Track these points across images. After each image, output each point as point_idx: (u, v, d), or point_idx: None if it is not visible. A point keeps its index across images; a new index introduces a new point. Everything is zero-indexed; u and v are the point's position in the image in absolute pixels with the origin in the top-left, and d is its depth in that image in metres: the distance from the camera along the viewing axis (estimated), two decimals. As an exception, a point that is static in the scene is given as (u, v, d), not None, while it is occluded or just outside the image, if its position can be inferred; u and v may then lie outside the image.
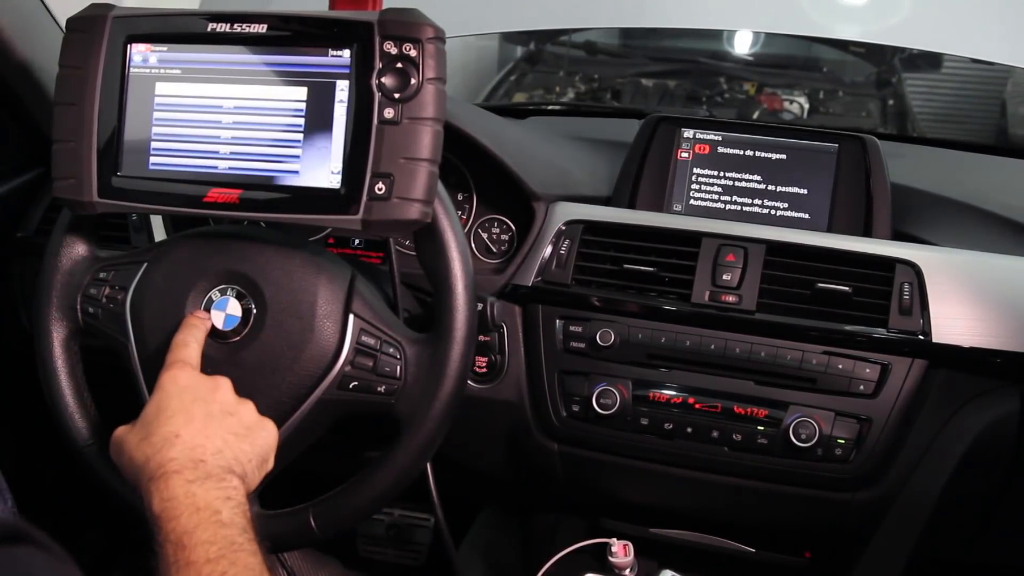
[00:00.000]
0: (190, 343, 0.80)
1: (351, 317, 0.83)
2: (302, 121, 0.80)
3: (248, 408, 0.78)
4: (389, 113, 0.77)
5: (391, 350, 0.83)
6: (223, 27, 0.80)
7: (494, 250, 1.17)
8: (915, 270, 1.01)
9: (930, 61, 2.82)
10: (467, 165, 1.17)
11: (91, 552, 1.52)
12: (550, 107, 2.06)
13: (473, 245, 1.17)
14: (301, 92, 0.80)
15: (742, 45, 2.40)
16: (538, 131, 1.40)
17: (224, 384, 0.78)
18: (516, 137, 1.23)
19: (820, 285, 1.02)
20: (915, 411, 1.02)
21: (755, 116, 2.20)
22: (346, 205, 0.78)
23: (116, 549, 1.56)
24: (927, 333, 0.99)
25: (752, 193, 1.14)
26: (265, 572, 0.65)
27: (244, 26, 0.80)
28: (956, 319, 0.99)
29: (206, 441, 0.72)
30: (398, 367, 0.83)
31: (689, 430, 1.04)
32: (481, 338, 1.09)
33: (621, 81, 2.43)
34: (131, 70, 0.83)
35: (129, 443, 0.73)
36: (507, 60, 2.79)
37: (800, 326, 1.02)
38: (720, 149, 1.16)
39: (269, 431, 0.78)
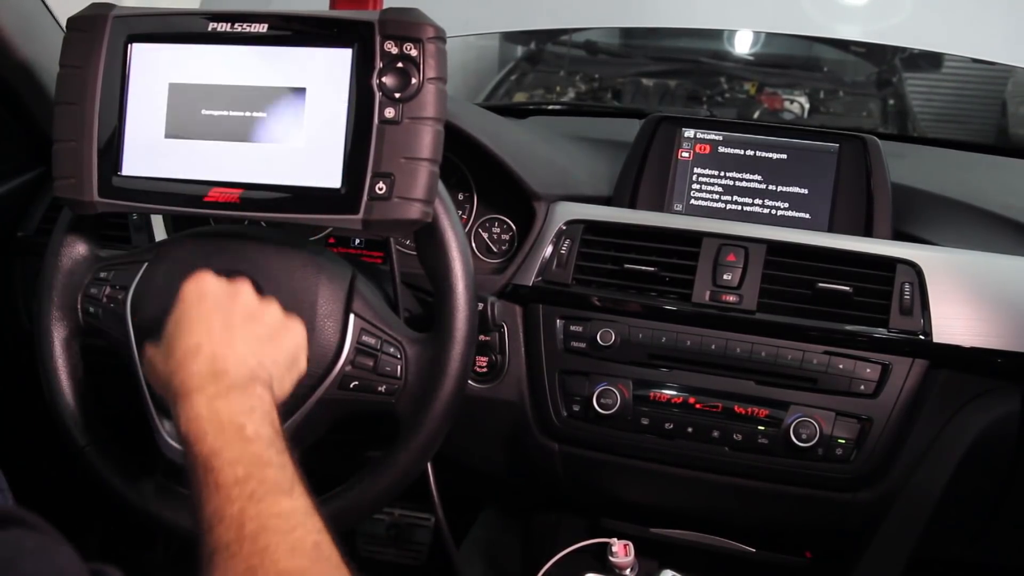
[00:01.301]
0: None
1: (352, 317, 0.83)
2: (303, 120, 0.80)
3: (272, 309, 0.76)
4: (390, 113, 0.77)
5: (392, 350, 0.83)
6: (224, 27, 0.80)
7: (495, 250, 1.17)
8: (916, 270, 1.01)
9: (931, 61, 2.82)
10: (468, 165, 1.17)
11: (91, 552, 1.51)
12: (551, 107, 2.06)
13: (474, 245, 1.17)
14: (301, 91, 0.80)
15: (743, 45, 2.40)
16: (539, 131, 1.40)
17: (244, 287, 0.76)
18: (517, 137, 1.23)
19: (821, 285, 1.02)
20: (916, 411, 1.02)
21: (756, 116, 2.20)
22: (347, 205, 0.77)
23: (116, 549, 1.56)
24: (928, 333, 0.99)
25: (753, 193, 1.14)
26: (297, 483, 0.63)
27: (245, 26, 0.80)
28: (957, 319, 0.99)
29: (228, 350, 0.69)
30: (399, 367, 0.83)
31: (690, 430, 1.04)
32: (482, 338, 1.08)
33: (622, 81, 2.43)
34: (131, 70, 0.83)
35: (157, 362, 0.71)
36: (507, 60, 2.79)
37: (801, 326, 1.02)
38: (721, 149, 1.16)
39: (296, 331, 0.76)
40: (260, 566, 0.56)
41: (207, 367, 0.68)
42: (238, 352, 0.70)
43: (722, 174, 1.15)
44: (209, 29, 0.81)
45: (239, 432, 0.64)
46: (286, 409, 0.83)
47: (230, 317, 0.72)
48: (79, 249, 0.91)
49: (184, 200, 0.82)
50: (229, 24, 0.80)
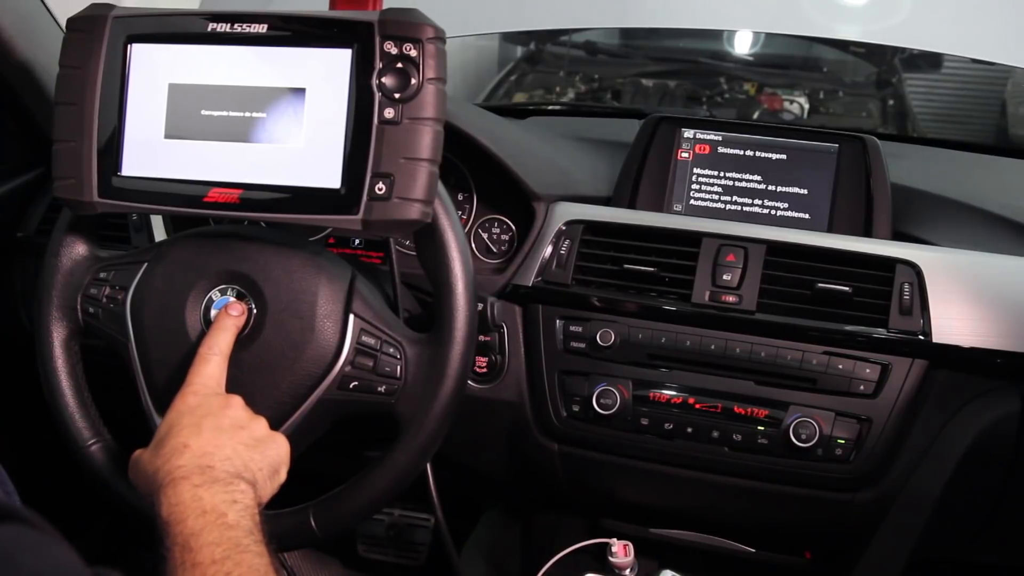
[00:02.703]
0: (210, 358, 0.80)
1: (351, 317, 0.83)
2: (302, 121, 0.80)
3: (260, 423, 0.78)
4: (389, 113, 0.77)
5: (391, 350, 0.83)
6: (223, 27, 0.80)
7: (494, 250, 1.17)
8: (915, 270, 1.01)
9: (930, 61, 2.82)
10: (467, 165, 1.17)
11: (91, 551, 1.52)
12: (550, 107, 2.06)
13: (473, 245, 1.17)
14: (301, 92, 0.80)
15: (742, 45, 2.40)
16: (538, 131, 1.40)
17: (235, 400, 0.78)
18: (516, 137, 1.23)
19: (820, 285, 1.02)
20: (915, 411, 1.02)
21: (755, 116, 2.20)
22: (346, 205, 0.77)
23: (116, 548, 1.56)
24: (927, 333, 0.99)
25: (752, 193, 1.14)
26: (271, 573, 0.65)
27: (244, 26, 0.80)
28: (956, 319, 0.99)
29: (215, 449, 0.72)
30: (398, 367, 0.83)
31: (689, 430, 1.04)
32: (481, 338, 1.09)
33: (621, 81, 2.43)
34: (131, 70, 0.83)
35: (142, 459, 0.74)
36: (507, 60, 2.79)
37: (800, 326, 1.02)
38: (720, 149, 1.16)
39: (280, 444, 0.78)
40: None
41: (193, 461, 0.70)
42: (224, 452, 0.72)
43: (722, 174, 1.15)
44: (209, 29, 0.81)
45: (220, 518, 0.66)
46: (286, 409, 0.83)
47: (219, 423, 0.75)
48: (79, 249, 0.91)
49: (184, 200, 0.82)
50: (229, 24, 0.80)
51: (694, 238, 1.07)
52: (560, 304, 1.08)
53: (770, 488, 1.05)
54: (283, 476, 0.79)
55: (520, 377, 1.10)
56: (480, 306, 1.01)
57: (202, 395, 0.78)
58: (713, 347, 1.04)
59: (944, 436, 1.03)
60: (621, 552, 1.12)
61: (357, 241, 1.19)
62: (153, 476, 0.71)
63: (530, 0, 1.63)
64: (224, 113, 0.82)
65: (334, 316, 0.83)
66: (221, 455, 0.72)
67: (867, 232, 1.09)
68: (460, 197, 1.18)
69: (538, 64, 2.63)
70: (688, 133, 1.17)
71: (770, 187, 1.14)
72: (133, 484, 0.75)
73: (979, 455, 1.02)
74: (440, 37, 0.77)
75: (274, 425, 0.83)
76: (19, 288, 1.29)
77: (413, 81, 0.76)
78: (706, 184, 1.16)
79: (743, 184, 1.15)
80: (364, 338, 0.83)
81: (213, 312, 0.84)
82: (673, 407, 1.04)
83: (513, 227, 1.17)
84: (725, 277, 1.04)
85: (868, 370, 1.00)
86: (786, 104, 2.27)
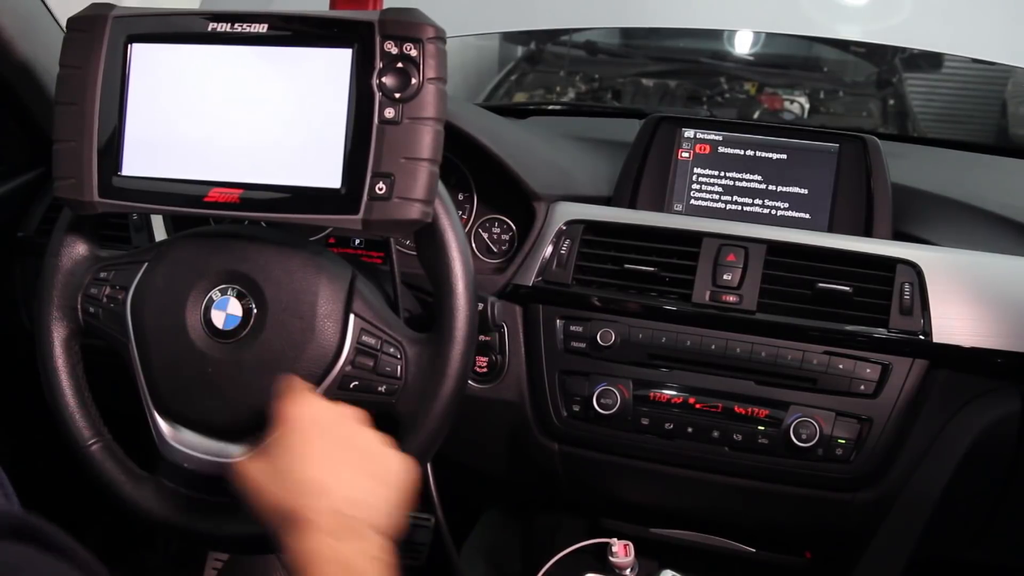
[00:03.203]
0: None
1: (352, 317, 0.83)
2: (303, 121, 0.80)
3: (378, 443, 0.74)
4: (390, 113, 0.76)
5: (392, 350, 0.83)
6: (223, 27, 0.80)
7: (495, 250, 1.17)
8: (916, 270, 1.01)
9: (930, 61, 2.82)
10: (468, 165, 1.17)
11: (91, 552, 1.51)
12: (551, 107, 2.06)
13: (474, 245, 1.17)
14: (301, 92, 0.80)
15: (743, 45, 2.40)
16: (538, 131, 1.40)
17: (348, 412, 0.74)
18: (517, 137, 1.23)
19: (821, 285, 1.02)
20: (916, 411, 1.02)
21: (756, 116, 2.20)
22: (347, 205, 0.77)
23: (116, 549, 1.56)
24: (928, 333, 0.99)
25: (753, 193, 1.14)
26: None
27: (244, 26, 0.80)
28: (957, 319, 0.99)
29: (348, 491, 0.67)
30: (399, 367, 0.83)
31: (690, 430, 1.04)
32: (482, 338, 1.09)
33: (622, 81, 2.43)
34: (131, 70, 0.83)
35: (261, 480, 0.69)
36: (507, 60, 2.79)
37: (801, 326, 1.02)
38: (721, 149, 1.16)
39: (403, 468, 0.74)
40: None
41: (328, 506, 0.65)
42: (362, 497, 0.68)
43: (722, 174, 1.15)
44: (209, 29, 0.81)
45: (348, 572, 0.62)
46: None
47: (350, 455, 0.70)
48: (79, 249, 0.91)
49: (184, 200, 0.82)
50: (229, 24, 0.80)
51: (694, 238, 1.07)
52: (560, 304, 1.08)
53: (770, 488, 1.05)
54: (407, 505, 0.74)
55: (520, 377, 1.10)
56: (480, 306, 1.01)
57: (315, 404, 0.73)
58: (713, 347, 1.04)
59: (944, 436, 1.03)
60: (621, 552, 1.12)
61: (357, 241, 1.19)
62: (280, 509, 0.66)
63: (530, 0, 1.63)
64: (224, 113, 0.82)
65: (334, 316, 0.83)
66: (360, 503, 0.67)
67: (867, 232, 1.09)
68: (460, 197, 1.18)
69: (538, 64, 2.63)
70: (688, 133, 1.17)
71: (770, 187, 1.14)
72: (240, 493, 0.70)
73: (979, 455, 1.02)
74: (440, 37, 0.77)
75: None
76: (19, 288, 1.29)
77: (413, 81, 0.76)
78: (706, 184, 1.16)
79: (743, 184, 1.15)
80: (364, 338, 0.83)
81: (214, 312, 0.84)
82: (673, 407, 1.04)
83: (513, 227, 1.17)
84: (725, 277, 1.04)
85: (868, 370, 1.00)
86: (786, 104, 2.27)
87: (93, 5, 0.84)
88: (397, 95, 0.76)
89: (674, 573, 1.10)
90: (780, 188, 1.14)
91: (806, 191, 1.13)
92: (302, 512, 0.65)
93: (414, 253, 0.88)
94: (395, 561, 0.66)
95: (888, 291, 1.01)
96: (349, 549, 0.63)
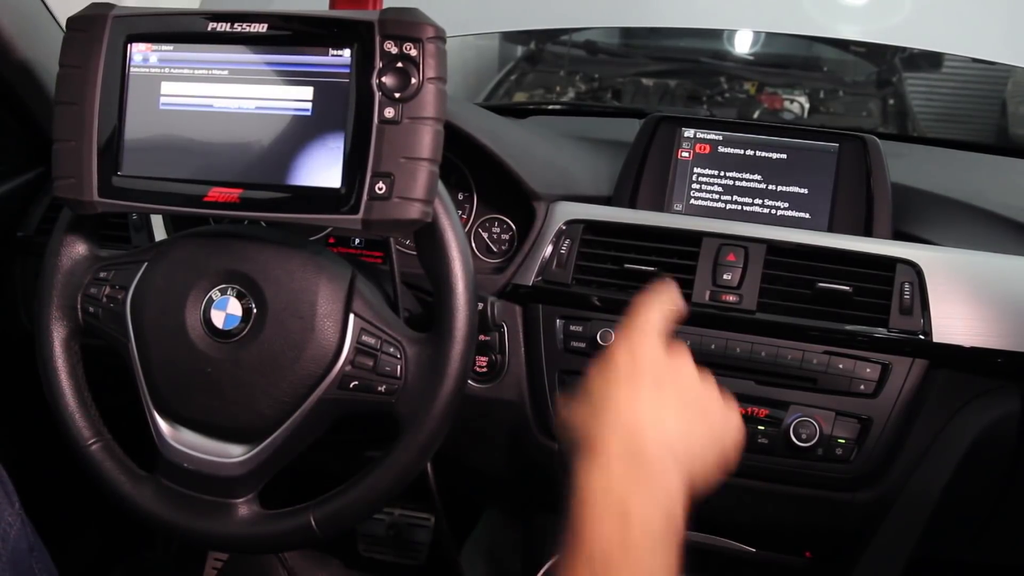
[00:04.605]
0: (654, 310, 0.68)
1: (351, 316, 0.83)
2: (302, 120, 0.80)
3: (714, 394, 0.67)
4: (389, 113, 0.76)
5: (391, 350, 0.83)
6: (223, 27, 0.80)
7: (494, 250, 1.17)
8: (916, 270, 1.01)
9: (931, 61, 2.83)
10: (467, 165, 1.17)
11: (91, 552, 1.52)
12: (550, 107, 2.06)
13: (473, 245, 1.17)
14: (301, 92, 0.80)
15: (743, 45, 2.41)
16: (538, 131, 1.40)
17: (686, 360, 0.67)
18: (516, 137, 1.23)
19: (821, 285, 1.02)
20: (916, 411, 1.02)
21: (756, 116, 2.20)
22: (347, 204, 0.77)
23: (116, 549, 1.56)
24: (928, 333, 0.99)
25: (753, 193, 1.14)
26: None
27: (244, 26, 0.80)
28: (957, 319, 0.99)
29: (661, 432, 0.61)
30: (398, 367, 0.83)
31: (689, 430, 1.03)
32: (481, 338, 1.08)
33: (622, 81, 2.43)
34: (131, 69, 0.83)
35: (576, 412, 0.65)
36: (507, 60, 2.79)
37: (801, 326, 1.02)
38: (721, 149, 1.16)
39: (732, 418, 0.67)
40: None
41: (623, 435, 0.61)
42: (659, 424, 0.62)
43: (722, 174, 1.15)
44: (209, 29, 0.81)
45: (625, 523, 0.58)
46: (286, 409, 0.83)
47: (675, 398, 0.64)
48: (79, 249, 0.91)
49: (184, 200, 0.82)
50: (229, 24, 0.80)
51: (694, 237, 1.07)
52: (560, 304, 1.08)
53: (770, 488, 1.04)
54: (731, 454, 0.67)
55: (520, 377, 1.10)
56: (480, 306, 1.01)
57: (648, 345, 0.66)
58: (713, 347, 1.04)
59: (944, 436, 1.03)
60: (621, 552, 1.12)
61: (357, 241, 1.19)
62: (580, 435, 0.63)
63: (530, 0, 1.63)
64: (224, 112, 0.82)
65: (334, 315, 0.83)
66: (653, 432, 0.61)
67: (867, 232, 1.09)
68: (460, 197, 1.18)
69: (538, 63, 2.63)
70: (688, 132, 1.17)
71: (770, 186, 1.14)
72: (562, 430, 0.65)
73: (979, 455, 1.02)
74: (440, 36, 0.77)
75: (274, 424, 0.83)
76: (19, 288, 1.29)
77: (413, 80, 0.76)
78: (706, 184, 1.16)
79: (743, 183, 1.15)
80: (364, 338, 0.83)
81: (214, 312, 0.84)
82: (673, 407, 1.04)
83: (513, 227, 1.17)
84: (725, 277, 1.04)
85: (868, 370, 1.00)
86: (786, 103, 2.27)
87: (93, 5, 0.84)
88: (397, 95, 0.76)
89: (674, 573, 1.09)
90: (780, 188, 1.14)
91: (806, 191, 1.13)
92: (600, 441, 0.60)
93: (414, 253, 0.88)
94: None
95: (888, 291, 1.01)
96: (635, 495, 0.58)
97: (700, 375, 0.68)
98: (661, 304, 0.70)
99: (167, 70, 0.83)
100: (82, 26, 0.83)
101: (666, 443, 0.61)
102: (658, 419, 0.62)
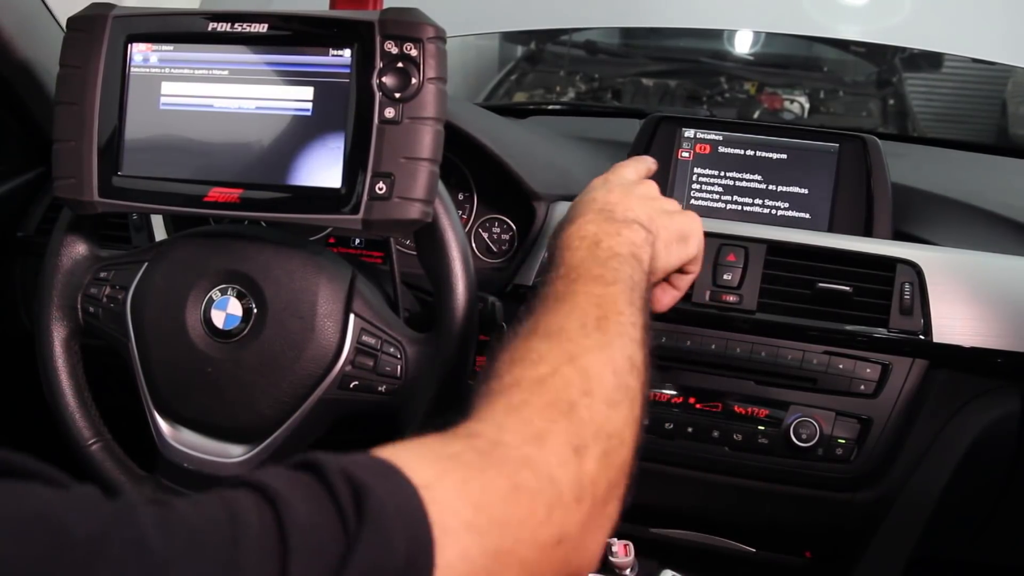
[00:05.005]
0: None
1: (352, 316, 0.83)
2: (302, 120, 0.80)
3: (672, 201, 0.77)
4: (390, 113, 0.77)
5: (392, 350, 0.83)
6: (223, 27, 0.80)
7: (495, 250, 1.17)
8: (916, 270, 1.01)
9: (931, 61, 2.82)
10: (468, 165, 1.17)
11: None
12: (551, 107, 2.06)
13: (474, 245, 1.17)
14: (301, 92, 0.80)
15: (743, 45, 2.40)
16: (539, 131, 1.40)
17: (652, 185, 0.79)
18: (517, 137, 1.23)
19: (821, 285, 1.02)
20: (916, 411, 1.02)
21: (756, 116, 2.20)
22: (347, 205, 0.77)
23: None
24: (928, 333, 0.99)
25: (753, 193, 1.14)
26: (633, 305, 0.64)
27: (244, 26, 0.80)
28: (957, 319, 0.99)
29: (618, 200, 0.72)
30: (399, 367, 0.83)
31: (690, 430, 1.04)
32: (482, 338, 1.08)
33: (622, 81, 2.43)
34: (131, 69, 0.83)
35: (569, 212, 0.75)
36: (507, 60, 2.79)
37: (801, 326, 1.02)
38: (721, 149, 1.16)
39: (693, 218, 0.76)
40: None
41: (597, 207, 0.72)
42: (627, 203, 0.72)
43: (722, 174, 1.15)
44: (209, 29, 0.81)
45: (595, 246, 0.66)
46: (286, 408, 0.83)
47: (629, 187, 0.76)
48: (79, 249, 0.91)
49: (184, 200, 0.82)
50: (229, 24, 0.80)
51: (694, 238, 1.06)
52: (560, 304, 1.08)
53: (770, 488, 1.04)
54: (692, 251, 0.76)
55: (520, 377, 1.10)
56: (480, 306, 1.01)
57: (624, 171, 0.80)
58: (713, 347, 1.04)
59: (944, 436, 1.03)
60: (621, 552, 1.12)
61: (357, 241, 1.19)
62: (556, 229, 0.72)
63: (530, 0, 1.63)
64: (224, 112, 0.82)
65: (334, 315, 0.83)
66: (623, 204, 0.72)
67: (868, 232, 1.09)
68: (460, 197, 1.18)
69: (538, 64, 2.63)
70: (689, 133, 1.17)
71: (770, 187, 1.14)
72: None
73: (979, 455, 1.02)
74: (440, 37, 0.77)
75: (274, 424, 0.83)
76: (19, 288, 1.29)
77: (414, 81, 0.76)
78: (707, 184, 1.15)
79: (744, 184, 1.15)
80: (364, 338, 0.83)
81: (214, 312, 0.84)
82: (673, 407, 1.04)
83: (513, 227, 1.17)
84: (726, 277, 1.04)
85: (868, 370, 1.00)
86: (786, 104, 2.27)
87: (93, 5, 0.84)
88: (397, 95, 0.76)
89: (674, 573, 1.10)
90: (780, 188, 1.14)
91: (806, 191, 1.13)
92: (577, 211, 0.72)
93: (414, 253, 0.88)
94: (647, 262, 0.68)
95: (888, 291, 1.01)
96: (605, 234, 0.67)
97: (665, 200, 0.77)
98: (636, 163, 0.83)
99: (167, 70, 0.83)
100: (82, 26, 0.83)
101: (634, 212, 0.71)
102: (624, 200, 0.72)
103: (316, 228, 1.15)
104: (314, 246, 0.87)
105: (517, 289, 1.10)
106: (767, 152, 1.14)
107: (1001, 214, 1.14)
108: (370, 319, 0.84)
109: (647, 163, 0.85)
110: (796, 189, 1.13)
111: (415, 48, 0.76)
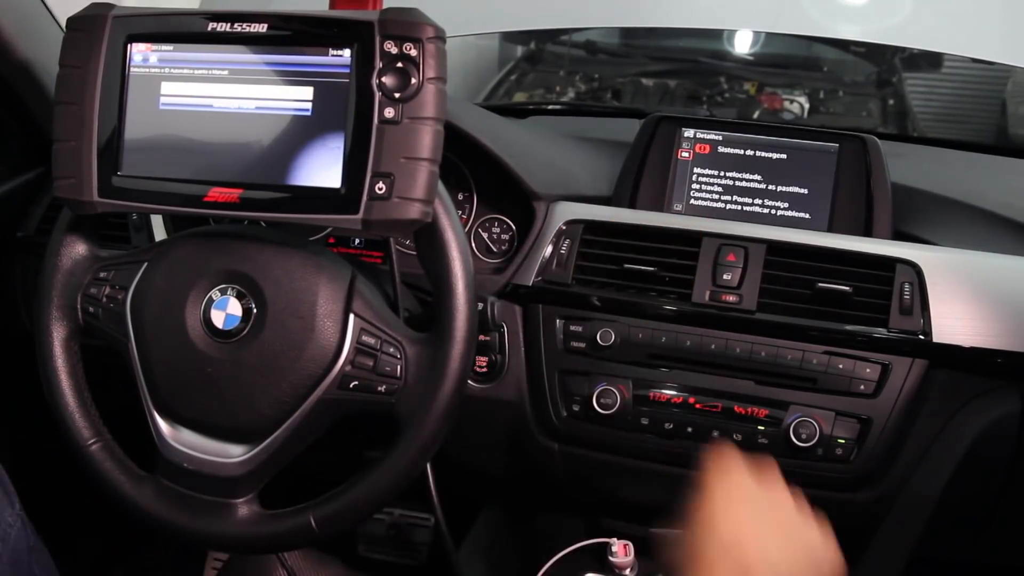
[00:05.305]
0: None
1: (351, 317, 0.83)
2: (302, 120, 0.80)
3: (807, 520, 0.70)
4: (389, 113, 0.77)
5: (391, 350, 0.83)
6: (223, 27, 0.80)
7: (494, 250, 1.17)
8: (916, 270, 1.01)
9: (930, 61, 2.82)
10: (467, 165, 1.17)
11: (91, 552, 1.52)
12: (551, 107, 2.06)
13: (473, 245, 1.17)
14: (301, 92, 0.80)
15: (743, 45, 2.40)
16: (538, 131, 1.40)
17: (782, 488, 0.71)
18: (516, 137, 1.23)
19: (820, 285, 1.02)
20: (916, 411, 1.02)
21: (756, 116, 2.20)
22: (347, 204, 0.78)
23: (116, 549, 1.56)
24: (927, 333, 0.99)
25: (752, 193, 1.14)
26: None
27: (244, 26, 0.80)
28: (957, 319, 0.99)
29: (761, 553, 0.64)
30: (398, 367, 0.83)
31: (689, 430, 1.04)
32: (481, 338, 1.08)
33: (621, 81, 2.43)
34: (131, 69, 0.83)
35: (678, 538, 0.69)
36: (507, 60, 2.79)
37: (800, 326, 1.02)
38: (721, 149, 1.16)
39: (833, 552, 0.71)
40: None
41: (726, 552, 0.65)
42: (762, 551, 0.65)
43: (722, 174, 1.15)
44: (209, 29, 0.81)
45: None
46: (286, 409, 0.83)
47: (770, 521, 0.68)
48: (79, 249, 0.91)
49: (183, 200, 0.82)
50: (229, 24, 0.80)
51: (694, 238, 1.07)
52: (560, 304, 1.08)
53: (770, 488, 1.04)
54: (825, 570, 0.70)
55: (520, 377, 1.10)
56: (480, 306, 1.01)
57: (735, 469, 0.72)
58: (713, 347, 1.04)
59: (944, 436, 1.03)
60: (621, 552, 1.12)
61: (357, 241, 1.19)
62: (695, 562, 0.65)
63: (530, 0, 1.63)
64: (224, 112, 0.82)
65: (334, 316, 0.83)
66: (771, 567, 0.64)
67: (867, 232, 1.09)
68: (460, 197, 1.18)
69: (538, 63, 2.63)
70: (688, 132, 1.17)
71: (770, 187, 1.14)
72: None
73: (979, 455, 1.02)
74: (440, 37, 0.77)
75: (274, 424, 0.83)
76: (19, 288, 1.29)
77: (413, 81, 0.76)
78: (706, 184, 1.16)
79: (743, 184, 1.15)
80: (364, 338, 0.83)
81: (214, 312, 0.84)
82: (673, 407, 1.04)
83: (513, 227, 1.17)
84: (725, 277, 1.04)
85: (868, 370, 1.00)
86: (786, 104, 2.27)
87: (93, 5, 0.84)
88: (397, 95, 0.76)
89: None
90: (780, 188, 1.14)
91: (806, 191, 1.13)
92: (705, 558, 0.64)
93: (414, 253, 0.88)
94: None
95: (888, 291, 1.01)
96: None
97: (795, 502, 0.70)
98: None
99: (167, 70, 0.83)
100: (82, 26, 0.83)
101: (768, 561, 0.64)
102: (759, 539, 0.65)
103: (316, 228, 1.15)
104: (314, 246, 0.87)
105: (517, 289, 1.10)
106: (767, 152, 1.14)
107: (1001, 214, 1.14)
108: (370, 319, 0.84)
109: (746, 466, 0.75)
110: (796, 189, 1.13)
111: (415, 48, 0.76)
